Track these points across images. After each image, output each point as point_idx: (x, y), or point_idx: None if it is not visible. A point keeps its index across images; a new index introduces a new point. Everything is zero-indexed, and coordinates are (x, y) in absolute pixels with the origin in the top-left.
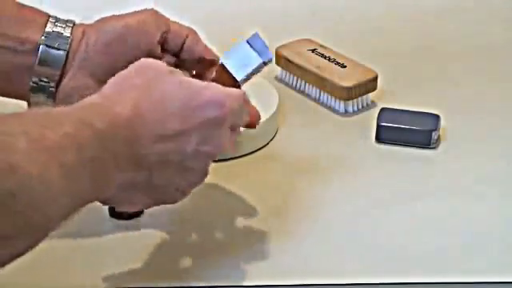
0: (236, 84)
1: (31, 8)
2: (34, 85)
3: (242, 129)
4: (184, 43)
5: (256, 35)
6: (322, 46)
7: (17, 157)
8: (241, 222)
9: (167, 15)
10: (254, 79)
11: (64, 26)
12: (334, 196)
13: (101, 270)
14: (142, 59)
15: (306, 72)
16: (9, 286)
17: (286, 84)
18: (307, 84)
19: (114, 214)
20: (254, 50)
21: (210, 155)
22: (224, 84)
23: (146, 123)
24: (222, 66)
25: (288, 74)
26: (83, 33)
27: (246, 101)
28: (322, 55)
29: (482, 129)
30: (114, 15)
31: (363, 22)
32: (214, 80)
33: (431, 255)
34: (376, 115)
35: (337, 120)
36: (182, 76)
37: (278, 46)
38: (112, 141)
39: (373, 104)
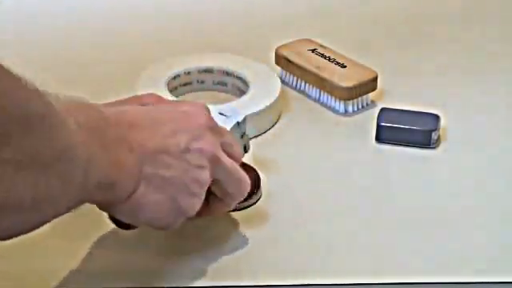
0: None
1: None
2: None
3: None
4: None
5: (225, 106)
6: (321, 45)
7: (49, 98)
8: (237, 220)
9: (167, 15)
10: (256, 66)
11: None
12: (334, 196)
13: (98, 270)
14: None
15: (306, 72)
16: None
17: (286, 84)
18: (307, 84)
19: (117, 221)
20: (225, 116)
21: (203, 152)
22: None
23: (141, 125)
24: None
25: (288, 74)
26: None
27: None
28: (322, 55)
29: (482, 129)
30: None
31: (363, 22)
32: None
33: (431, 255)
34: (376, 115)
35: (337, 120)
36: None
37: (277, 46)
38: (118, 125)
39: (373, 104)
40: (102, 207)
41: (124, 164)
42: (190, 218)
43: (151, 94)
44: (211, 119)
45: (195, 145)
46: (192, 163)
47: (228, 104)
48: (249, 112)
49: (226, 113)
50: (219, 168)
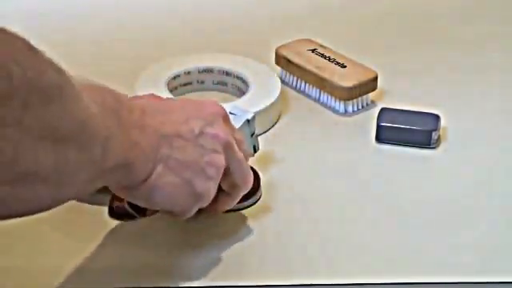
0: None
1: None
2: None
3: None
4: None
5: (234, 104)
6: (322, 45)
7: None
8: (237, 220)
9: (167, 15)
10: (256, 66)
11: None
12: (334, 196)
13: (98, 271)
14: None
15: (306, 72)
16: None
17: (286, 84)
18: (307, 84)
19: (113, 212)
20: (235, 114)
21: (218, 137)
22: None
23: (155, 110)
24: None
25: (288, 74)
26: None
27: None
28: (322, 55)
29: (483, 129)
30: None
31: (363, 22)
32: None
33: (431, 255)
34: (376, 115)
35: (337, 120)
36: None
37: (277, 46)
38: (131, 109)
39: (373, 104)
40: (118, 190)
41: (140, 146)
42: (193, 217)
43: (151, 95)
44: (223, 109)
45: (210, 130)
46: (207, 147)
47: (235, 103)
48: None
49: (236, 112)
50: (232, 156)
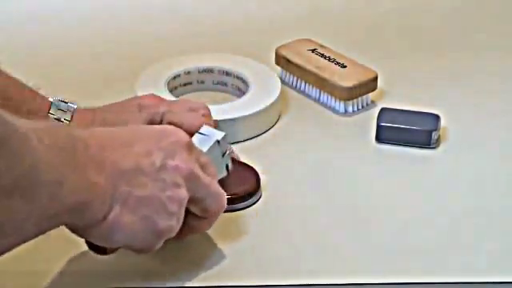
0: None
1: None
2: None
3: (241, 115)
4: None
5: (205, 126)
6: (322, 45)
7: (10, 118)
8: (237, 220)
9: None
10: (256, 66)
11: (66, 110)
12: (334, 196)
13: (97, 271)
14: None
15: (306, 72)
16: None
17: (286, 84)
18: (307, 84)
19: (93, 245)
20: (206, 135)
21: (179, 170)
22: None
23: (116, 143)
24: None
25: (288, 74)
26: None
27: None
28: (322, 55)
29: (482, 129)
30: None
31: (363, 22)
32: None
33: (431, 255)
34: (376, 115)
35: (337, 120)
36: None
37: (277, 46)
38: (88, 146)
39: (373, 104)
40: (74, 231)
41: (96, 185)
42: (170, 239)
43: (151, 95)
44: (186, 137)
45: (171, 162)
46: (168, 181)
47: (206, 126)
48: (249, 112)
49: (206, 132)
50: (196, 185)
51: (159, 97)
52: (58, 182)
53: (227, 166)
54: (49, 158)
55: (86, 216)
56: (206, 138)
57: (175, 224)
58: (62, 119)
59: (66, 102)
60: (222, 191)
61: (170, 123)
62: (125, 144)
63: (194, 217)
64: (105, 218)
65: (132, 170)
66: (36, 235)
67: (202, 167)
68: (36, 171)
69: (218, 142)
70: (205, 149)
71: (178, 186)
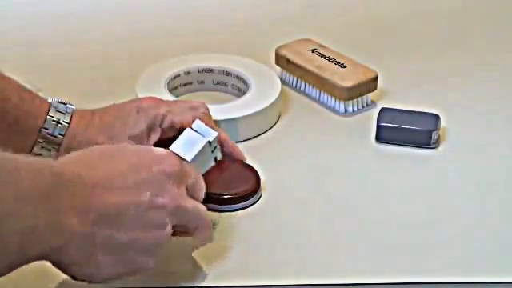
0: None
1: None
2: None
3: (241, 115)
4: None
5: (197, 122)
6: (321, 45)
7: None
8: (237, 220)
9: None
10: (256, 66)
11: (64, 112)
12: (334, 196)
13: None
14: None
15: (306, 72)
16: None
17: (286, 84)
18: (307, 84)
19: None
20: (198, 133)
21: (166, 208)
22: None
23: (101, 177)
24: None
25: (288, 74)
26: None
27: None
28: (322, 55)
29: (482, 128)
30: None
31: (363, 22)
32: None
33: (431, 255)
34: (376, 115)
35: (337, 120)
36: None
37: (277, 46)
38: (69, 187)
39: (373, 104)
40: (55, 266)
41: (73, 232)
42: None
43: (150, 97)
44: (175, 164)
45: (159, 200)
46: (153, 222)
47: (198, 122)
48: (249, 112)
49: (199, 129)
50: (183, 215)
51: (159, 98)
52: (28, 231)
53: (215, 158)
54: (21, 207)
55: (63, 258)
56: (198, 138)
57: (151, 263)
58: (61, 121)
59: (64, 104)
60: (205, 212)
61: (171, 124)
62: (112, 177)
63: (181, 232)
64: (82, 262)
65: (115, 214)
66: (7, 273)
67: (190, 188)
68: (3, 223)
69: (210, 142)
70: (195, 151)
71: (163, 226)
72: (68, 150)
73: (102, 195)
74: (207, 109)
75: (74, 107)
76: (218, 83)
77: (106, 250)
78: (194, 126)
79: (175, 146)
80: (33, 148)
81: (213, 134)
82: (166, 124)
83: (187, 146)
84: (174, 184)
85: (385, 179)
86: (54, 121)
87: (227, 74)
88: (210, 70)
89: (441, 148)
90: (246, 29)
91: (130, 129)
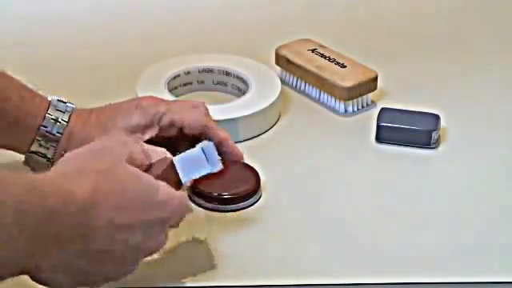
0: (179, 184)
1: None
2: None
3: (241, 115)
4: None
5: (210, 145)
6: (321, 45)
7: None
8: (237, 220)
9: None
10: (256, 66)
11: (64, 111)
12: (334, 196)
13: None
14: (101, 142)
15: (306, 72)
16: None
17: (286, 84)
18: (307, 84)
19: None
20: (207, 158)
21: (149, 252)
22: (168, 180)
23: (101, 209)
24: (172, 163)
25: (288, 74)
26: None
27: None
28: (322, 55)
29: (482, 129)
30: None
31: (363, 22)
32: (160, 174)
33: (431, 255)
34: (376, 115)
35: (337, 120)
36: (136, 168)
37: (277, 46)
38: (61, 221)
39: (373, 104)
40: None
41: (47, 260)
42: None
43: (150, 96)
44: (176, 213)
45: (146, 245)
46: (129, 260)
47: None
48: (249, 112)
49: (209, 156)
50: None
51: (158, 98)
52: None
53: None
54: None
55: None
56: (203, 164)
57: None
58: (60, 119)
59: (64, 102)
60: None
61: (170, 122)
62: (110, 214)
63: None
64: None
65: (97, 250)
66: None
67: (179, 218)
68: None
69: (203, 150)
70: (193, 176)
71: (136, 263)
72: (66, 148)
73: (96, 230)
74: (207, 109)
75: (74, 106)
76: (218, 83)
77: (71, 274)
78: (205, 148)
79: (179, 162)
80: (31, 146)
81: (218, 167)
82: (164, 122)
83: (190, 167)
84: (167, 228)
85: (385, 179)
86: (52, 119)
87: (227, 74)
88: (210, 70)
89: (441, 148)
90: (246, 29)
91: (126, 121)
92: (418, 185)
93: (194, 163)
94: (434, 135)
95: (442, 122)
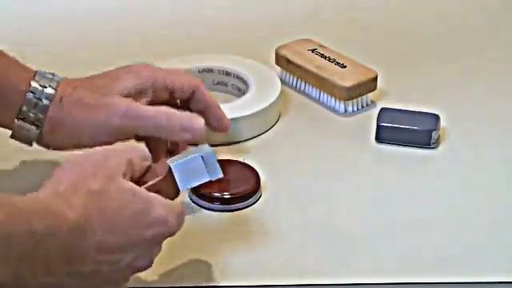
0: (177, 190)
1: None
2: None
3: (241, 115)
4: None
5: (210, 153)
6: (321, 45)
7: None
8: (237, 220)
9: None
10: (256, 66)
11: (51, 79)
12: (334, 196)
13: None
14: (101, 150)
15: (306, 72)
16: None
17: (286, 84)
18: (307, 84)
19: None
20: (206, 166)
21: (138, 270)
22: (165, 188)
23: (91, 231)
24: (170, 170)
25: (288, 74)
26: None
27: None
28: (322, 55)
29: (482, 129)
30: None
31: (363, 22)
32: (158, 181)
33: (431, 255)
34: (376, 115)
35: (337, 120)
36: (132, 183)
37: (277, 46)
38: (49, 244)
39: (373, 104)
40: None
41: (35, 283)
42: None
43: (141, 64)
44: (171, 227)
45: (137, 264)
46: (119, 278)
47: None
48: (249, 112)
49: (208, 163)
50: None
51: (152, 67)
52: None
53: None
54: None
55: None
56: (202, 172)
57: None
58: (47, 85)
59: (52, 75)
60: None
61: (163, 85)
62: (100, 237)
63: None
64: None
65: (86, 271)
66: None
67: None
68: None
69: (202, 157)
70: (191, 185)
71: (127, 279)
72: (55, 114)
73: (85, 253)
74: (202, 82)
75: (60, 78)
76: (218, 83)
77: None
78: (205, 156)
79: (177, 170)
80: (19, 114)
81: (218, 175)
82: (157, 85)
83: (188, 175)
84: (161, 243)
85: (385, 179)
86: (40, 85)
87: (227, 74)
88: (210, 70)
89: (441, 148)
90: (246, 29)
91: (119, 86)
92: (417, 185)
93: (192, 171)
94: (434, 135)
95: (442, 122)
